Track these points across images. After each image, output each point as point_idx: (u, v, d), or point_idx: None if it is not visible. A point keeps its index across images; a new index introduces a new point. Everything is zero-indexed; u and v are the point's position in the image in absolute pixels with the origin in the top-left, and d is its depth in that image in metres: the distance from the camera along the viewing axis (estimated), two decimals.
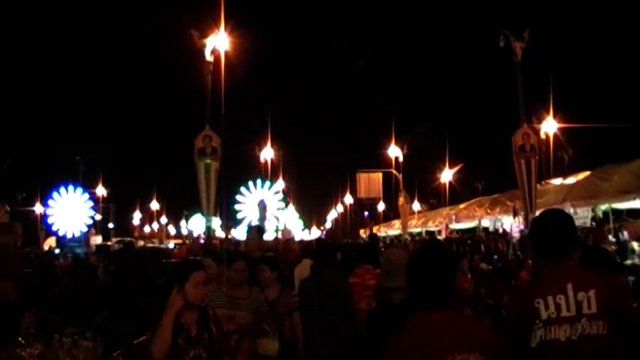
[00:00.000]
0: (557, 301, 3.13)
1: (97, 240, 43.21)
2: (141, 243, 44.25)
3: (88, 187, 46.02)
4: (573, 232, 3.43)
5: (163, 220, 73.92)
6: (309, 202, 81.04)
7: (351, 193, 62.12)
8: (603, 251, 4.88)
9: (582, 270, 3.31)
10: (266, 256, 8.02)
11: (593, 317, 3.09)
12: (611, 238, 19.56)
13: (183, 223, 74.18)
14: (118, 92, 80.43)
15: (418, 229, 42.40)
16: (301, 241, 27.00)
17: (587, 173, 22.96)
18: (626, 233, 19.09)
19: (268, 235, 29.72)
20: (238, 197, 35.08)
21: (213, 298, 5.58)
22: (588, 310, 3.10)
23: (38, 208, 51.40)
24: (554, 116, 32.46)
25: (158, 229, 69.53)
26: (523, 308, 3.26)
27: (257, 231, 8.97)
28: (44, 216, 43.50)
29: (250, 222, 33.31)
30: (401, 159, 41.20)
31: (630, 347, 3.12)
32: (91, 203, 42.64)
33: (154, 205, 72.89)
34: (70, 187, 40.73)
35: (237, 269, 6.15)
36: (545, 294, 3.17)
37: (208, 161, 19.40)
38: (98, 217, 50.79)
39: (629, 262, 15.45)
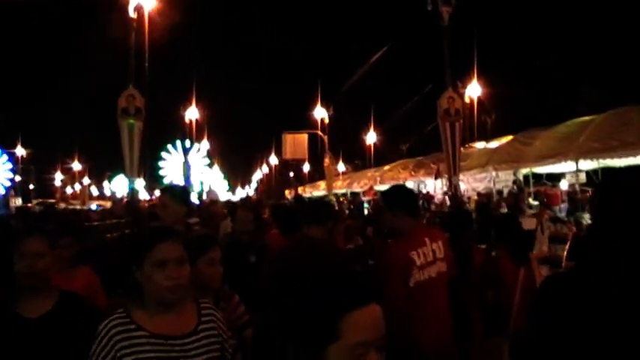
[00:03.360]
0: (423, 252, 4.33)
1: (17, 202, 41.87)
2: (62, 205, 43.00)
3: (7, 147, 44.49)
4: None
5: (86, 181, 72.23)
6: (235, 163, 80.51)
7: (276, 154, 61.95)
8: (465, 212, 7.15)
9: (429, 228, 5.02)
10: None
11: (441, 259, 4.43)
12: (531, 201, 20.02)
13: (106, 184, 72.61)
14: (38, 48, 77.52)
15: (343, 190, 42.56)
16: (227, 202, 26.73)
17: (510, 137, 23.37)
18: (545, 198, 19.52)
19: (193, 198, 29.29)
20: (162, 158, 34.28)
21: None
22: (439, 255, 4.42)
23: None
24: (479, 81, 32.87)
25: (80, 191, 67.81)
26: (404, 259, 4.29)
27: (171, 194, 5.56)
28: None
29: (171, 181, 32.73)
30: (327, 120, 41.18)
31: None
32: (10, 165, 41.24)
33: (76, 166, 71.07)
34: None
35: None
36: (416, 247, 4.33)
37: (132, 121, 18.87)
38: (18, 178, 49.16)
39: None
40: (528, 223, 10.24)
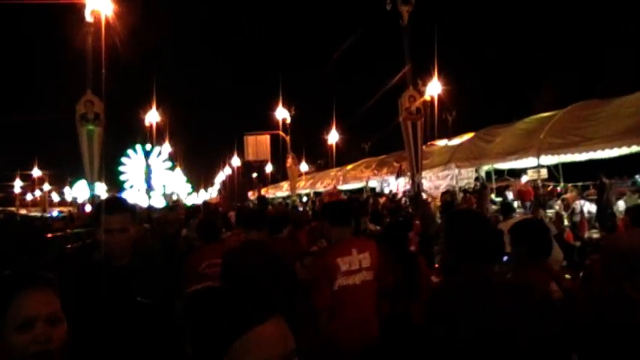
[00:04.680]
0: (349, 260, 4.74)
1: None
2: (23, 212, 42.20)
3: None
4: (358, 212, 5.34)
5: (46, 187, 70.95)
6: (197, 165, 79.87)
7: (238, 155, 61.54)
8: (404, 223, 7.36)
9: (358, 238, 5.15)
10: None
11: (367, 269, 4.81)
12: (493, 197, 20.17)
13: (67, 189, 71.49)
14: None
15: (306, 191, 42.52)
16: (190, 207, 26.41)
17: (471, 135, 23.51)
18: (510, 193, 19.69)
19: (155, 201, 28.94)
20: (123, 162, 33.83)
21: None
22: (365, 265, 4.81)
23: None
24: (439, 78, 32.97)
25: (41, 197, 66.67)
26: (329, 265, 4.72)
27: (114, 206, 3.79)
28: None
29: (132, 185, 32.32)
30: (288, 121, 41.03)
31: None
32: None
33: (36, 172, 69.78)
34: None
35: None
36: (342, 255, 4.76)
37: (91, 127, 18.69)
38: None
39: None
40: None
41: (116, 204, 3.45)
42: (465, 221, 3.04)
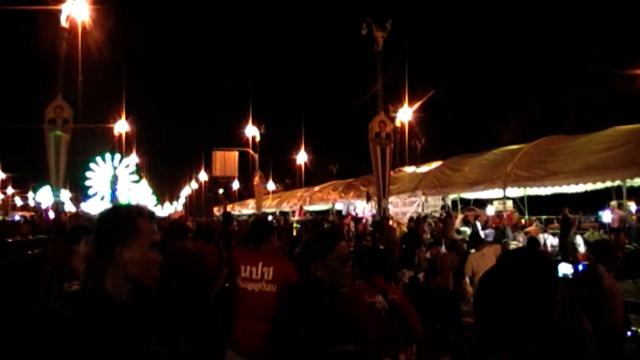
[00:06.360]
0: (251, 269, 5.39)
1: None
2: None
3: None
4: (269, 231, 5.68)
5: (9, 191, 69.72)
6: (163, 178, 79.35)
7: (206, 170, 61.31)
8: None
9: (269, 254, 5.49)
10: None
11: (269, 282, 5.30)
12: (457, 226, 20.30)
13: (30, 194, 70.28)
14: None
15: (272, 209, 42.44)
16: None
17: (439, 163, 23.69)
18: (478, 223, 19.85)
19: None
20: (89, 171, 33.47)
21: None
22: (267, 277, 5.32)
23: None
24: (410, 105, 33.26)
25: (3, 201, 65.37)
26: (236, 267, 5.45)
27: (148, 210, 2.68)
28: None
29: (96, 193, 32.01)
30: (258, 139, 41.03)
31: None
32: None
33: (0, 175, 68.57)
34: None
35: None
36: (247, 263, 5.42)
37: (59, 133, 18.47)
38: None
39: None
40: None
41: (147, 208, 2.73)
42: None
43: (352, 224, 20.39)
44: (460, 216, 21.34)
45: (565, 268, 6.10)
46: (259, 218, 14.09)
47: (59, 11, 19.41)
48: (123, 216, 2.53)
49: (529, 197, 20.50)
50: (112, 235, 2.47)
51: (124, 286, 2.49)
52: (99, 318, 2.38)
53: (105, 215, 2.66)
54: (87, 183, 32.73)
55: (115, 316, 2.43)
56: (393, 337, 5.11)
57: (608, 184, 17.30)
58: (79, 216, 20.25)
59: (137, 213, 2.56)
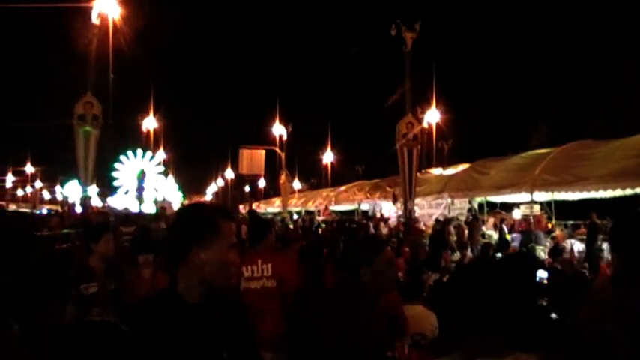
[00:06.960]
0: (252, 268, 5.63)
1: None
2: (13, 207, 41.95)
3: None
4: (265, 230, 6.05)
5: (38, 184, 70.57)
6: (190, 175, 79.71)
7: (232, 168, 61.51)
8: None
9: (267, 251, 5.82)
10: None
11: (269, 277, 5.62)
12: (484, 229, 20.18)
13: (58, 188, 71.09)
14: None
15: (298, 209, 42.51)
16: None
17: (467, 166, 23.57)
18: (505, 227, 19.73)
19: (147, 207, 28.89)
20: (117, 166, 33.79)
21: None
22: (267, 274, 5.62)
23: None
24: (438, 107, 33.17)
25: (32, 194, 66.19)
26: (238, 270, 5.28)
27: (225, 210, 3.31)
28: None
29: (127, 192, 32.35)
30: (285, 137, 41.15)
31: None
32: None
33: (29, 169, 69.37)
34: None
35: None
36: (247, 264, 5.61)
37: (88, 129, 18.61)
38: None
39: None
40: None
41: (225, 208, 2.81)
42: None
43: (371, 226, 20.24)
44: (491, 220, 21.20)
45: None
46: (255, 217, 13.95)
47: (90, 8, 19.64)
48: (204, 216, 2.51)
49: (555, 202, 20.34)
50: (190, 235, 2.45)
51: (196, 288, 2.46)
52: (168, 331, 2.34)
53: (184, 214, 2.73)
54: (114, 175, 33.09)
55: (188, 320, 2.40)
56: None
57: (638, 190, 17.12)
58: (104, 213, 20.49)
59: (218, 213, 2.55)
